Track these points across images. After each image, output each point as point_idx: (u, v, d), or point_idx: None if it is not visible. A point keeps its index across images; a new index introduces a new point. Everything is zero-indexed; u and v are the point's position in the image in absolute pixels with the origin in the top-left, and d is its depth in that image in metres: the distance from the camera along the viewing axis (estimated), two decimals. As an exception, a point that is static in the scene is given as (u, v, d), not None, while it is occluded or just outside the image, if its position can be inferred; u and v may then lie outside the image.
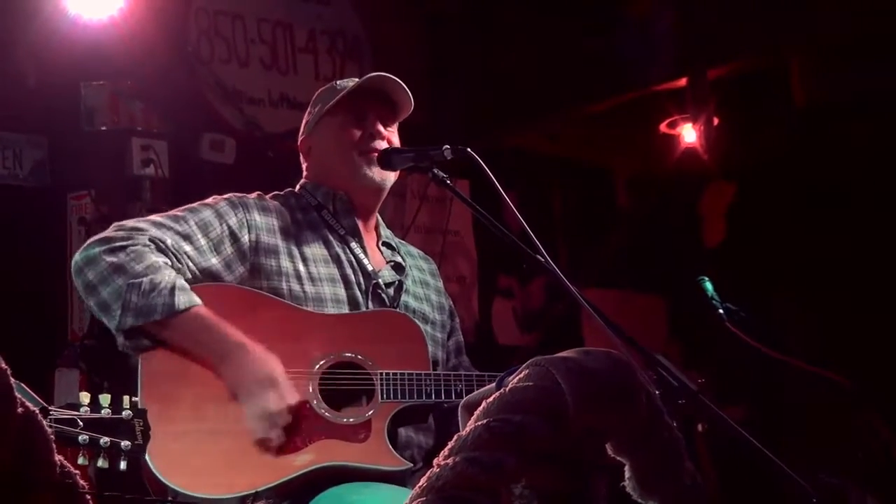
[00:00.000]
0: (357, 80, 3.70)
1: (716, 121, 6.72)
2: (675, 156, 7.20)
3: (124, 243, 3.27)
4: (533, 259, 3.14)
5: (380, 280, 3.56)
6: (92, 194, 5.88)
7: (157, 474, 3.10)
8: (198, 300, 3.25)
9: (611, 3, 6.81)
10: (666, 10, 6.56)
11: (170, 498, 3.08)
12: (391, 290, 3.60)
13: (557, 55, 6.88)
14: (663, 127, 7.18)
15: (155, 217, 3.42)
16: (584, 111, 7.22)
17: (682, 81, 6.65)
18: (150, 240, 3.30)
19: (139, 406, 3.10)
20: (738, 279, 6.29)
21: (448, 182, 3.43)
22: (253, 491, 3.14)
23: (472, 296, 7.49)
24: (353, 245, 3.58)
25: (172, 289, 3.21)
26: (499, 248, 3.34)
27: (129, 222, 3.37)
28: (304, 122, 3.76)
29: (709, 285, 3.94)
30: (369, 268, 3.56)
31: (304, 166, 3.77)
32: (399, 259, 3.71)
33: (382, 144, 3.60)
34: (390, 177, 3.64)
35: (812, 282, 7.38)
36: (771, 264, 7.59)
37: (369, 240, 3.67)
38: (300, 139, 3.75)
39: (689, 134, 7.02)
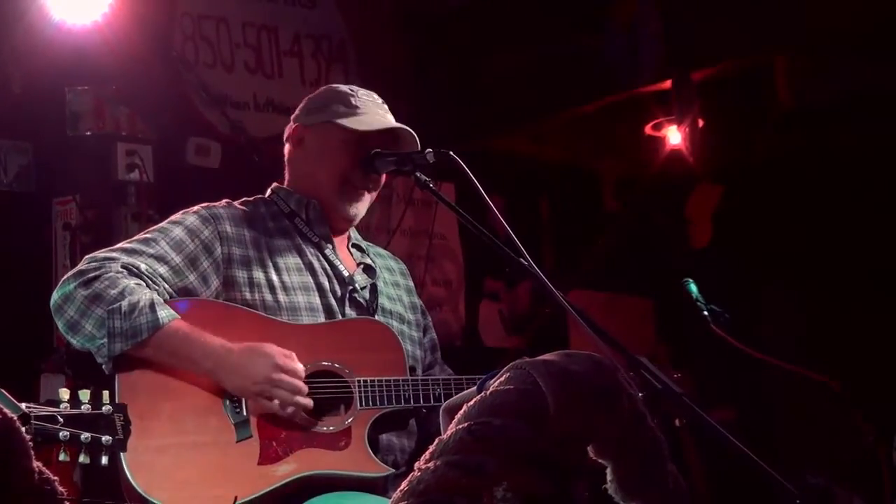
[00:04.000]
0: (375, 97, 3.68)
1: (701, 123, 6.72)
2: (660, 159, 7.20)
3: (97, 273, 3.27)
4: (516, 262, 3.14)
5: (355, 285, 3.57)
6: (77, 199, 5.87)
7: (138, 489, 3.10)
8: (175, 313, 3.25)
9: (595, 5, 6.81)
10: (651, 12, 6.56)
11: None
12: (366, 293, 3.60)
13: (543, 58, 6.87)
14: (648, 129, 7.18)
15: (125, 244, 3.41)
16: (570, 114, 7.22)
17: (667, 83, 6.65)
18: (123, 266, 3.30)
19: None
20: (725, 281, 6.30)
21: (431, 186, 3.43)
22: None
23: (459, 299, 7.48)
24: (328, 252, 3.58)
25: (152, 305, 3.21)
26: (485, 252, 3.34)
27: (101, 253, 3.36)
28: (304, 106, 3.71)
29: (693, 287, 3.94)
30: (345, 273, 3.57)
31: (286, 152, 3.73)
32: (369, 261, 3.71)
33: (368, 186, 3.60)
34: (363, 211, 3.65)
35: (799, 283, 7.40)
36: (757, 266, 7.61)
37: (340, 244, 3.68)
38: (294, 124, 3.70)
39: (674, 136, 7.02)
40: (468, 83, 7.17)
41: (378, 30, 7.19)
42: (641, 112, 7.09)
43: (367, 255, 3.74)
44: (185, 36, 6.35)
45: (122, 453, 3.10)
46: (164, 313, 3.22)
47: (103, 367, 3.27)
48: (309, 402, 3.27)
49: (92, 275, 3.26)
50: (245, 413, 3.26)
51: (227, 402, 3.26)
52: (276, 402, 3.23)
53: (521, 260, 3.13)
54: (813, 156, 7.17)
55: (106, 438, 3.00)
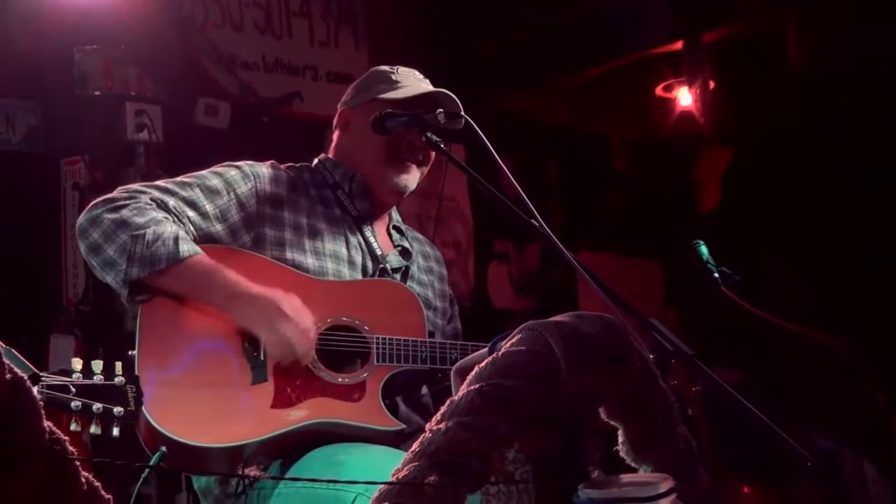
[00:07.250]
0: (417, 73, 3.69)
1: (712, 84, 6.70)
2: (670, 120, 7.18)
3: (126, 201, 3.29)
4: (528, 224, 3.14)
5: (387, 265, 3.58)
6: (86, 160, 5.87)
7: (151, 421, 3.11)
8: (199, 249, 3.27)
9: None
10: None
11: (162, 448, 3.08)
12: (397, 276, 3.61)
13: (553, 19, 6.85)
14: (659, 90, 7.16)
15: (160, 182, 3.43)
16: (581, 75, 7.20)
17: (679, 45, 6.63)
18: (152, 199, 3.32)
19: (135, 354, 3.16)
20: (733, 244, 6.29)
21: (442, 146, 3.42)
22: (245, 442, 3.16)
23: (468, 260, 7.49)
24: (364, 227, 3.59)
25: (176, 238, 3.23)
26: (495, 213, 3.33)
27: (134, 185, 3.39)
28: (348, 92, 3.74)
29: (704, 249, 3.94)
30: (378, 251, 3.57)
31: (334, 138, 3.74)
32: (406, 244, 3.72)
33: (417, 158, 3.61)
34: (412, 184, 3.64)
35: (807, 246, 7.38)
36: (766, 229, 7.59)
37: (380, 223, 3.69)
38: (340, 109, 3.72)
39: (684, 97, 7.00)
40: (478, 45, 7.15)
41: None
42: (651, 74, 7.07)
43: (406, 238, 3.76)
44: (195, -5, 6.34)
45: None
46: (186, 247, 3.23)
47: (121, 295, 3.28)
48: (303, 355, 3.27)
49: (121, 202, 3.28)
50: (262, 357, 3.28)
51: (246, 345, 3.28)
52: (270, 339, 3.24)
53: (532, 221, 3.12)
54: (823, 119, 7.14)
55: (118, 410, 3.00)
